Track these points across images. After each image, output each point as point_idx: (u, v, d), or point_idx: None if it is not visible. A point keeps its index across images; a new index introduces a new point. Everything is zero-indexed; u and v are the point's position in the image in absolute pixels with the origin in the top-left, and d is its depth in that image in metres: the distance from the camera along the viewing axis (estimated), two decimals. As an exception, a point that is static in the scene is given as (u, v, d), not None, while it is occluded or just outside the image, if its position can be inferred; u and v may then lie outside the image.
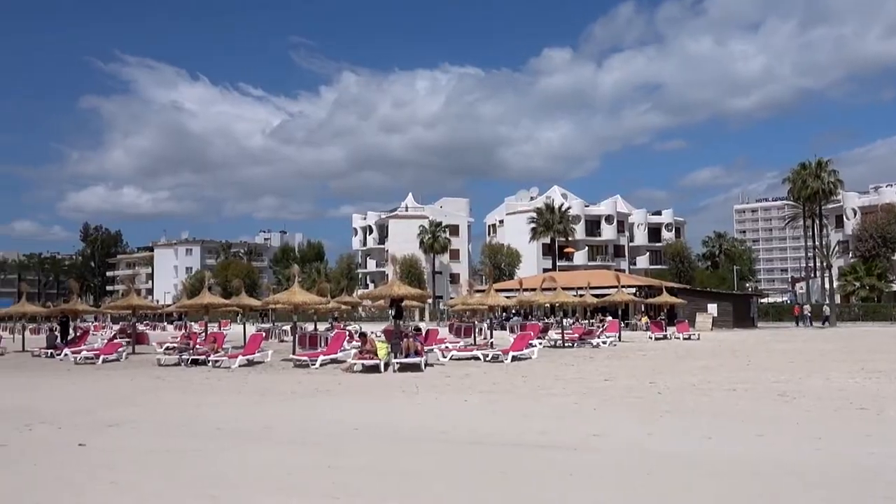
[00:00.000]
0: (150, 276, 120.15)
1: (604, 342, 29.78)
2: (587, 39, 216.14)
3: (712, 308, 45.70)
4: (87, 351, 24.88)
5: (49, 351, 26.22)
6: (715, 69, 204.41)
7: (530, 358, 22.56)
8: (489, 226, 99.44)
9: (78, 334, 30.06)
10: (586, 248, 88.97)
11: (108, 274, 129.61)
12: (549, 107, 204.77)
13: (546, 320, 41.78)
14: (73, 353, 24.44)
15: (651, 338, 34.37)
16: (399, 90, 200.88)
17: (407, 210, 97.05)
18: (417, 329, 27.14)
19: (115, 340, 27.79)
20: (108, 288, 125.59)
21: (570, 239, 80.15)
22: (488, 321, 31.41)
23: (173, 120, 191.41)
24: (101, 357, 23.59)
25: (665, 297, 38.69)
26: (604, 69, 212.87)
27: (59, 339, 28.11)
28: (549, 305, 39.13)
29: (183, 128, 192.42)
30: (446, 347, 24.16)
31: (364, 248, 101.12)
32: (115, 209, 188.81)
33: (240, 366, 20.61)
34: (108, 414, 11.80)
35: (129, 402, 13.43)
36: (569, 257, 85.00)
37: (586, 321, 41.85)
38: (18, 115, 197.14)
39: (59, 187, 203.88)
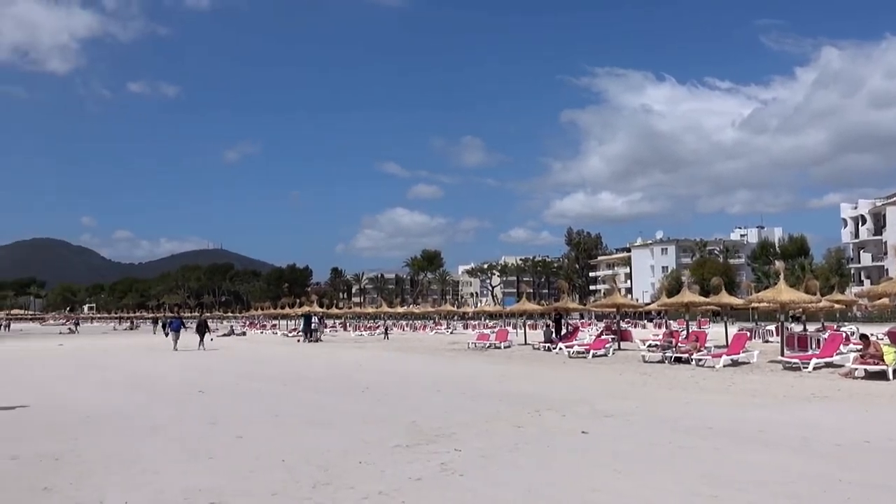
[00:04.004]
0: (629, 276, 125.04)
1: None
2: None
3: None
4: (579, 346, 26.93)
5: (546, 344, 29.17)
6: None
7: None
8: None
9: (570, 330, 32.75)
10: None
11: (591, 274, 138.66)
12: None
13: None
14: (566, 346, 26.74)
15: None
16: (894, 58, 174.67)
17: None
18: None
19: (602, 337, 29.56)
20: (591, 287, 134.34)
21: None
22: None
23: (643, 122, 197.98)
24: (591, 352, 25.32)
25: None
26: None
27: (553, 334, 31.06)
28: None
29: (652, 129, 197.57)
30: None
31: (856, 241, 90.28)
32: (594, 213, 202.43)
33: (724, 365, 20.16)
34: (604, 405, 12.61)
35: (622, 396, 14.16)
36: None
37: None
38: (513, 138, 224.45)
39: (545, 196, 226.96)
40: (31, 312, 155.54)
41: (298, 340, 42.51)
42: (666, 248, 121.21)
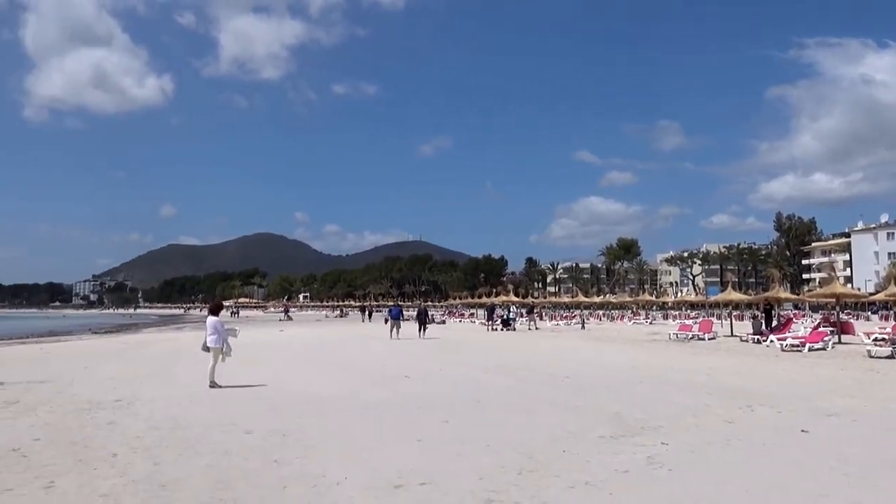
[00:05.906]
0: (848, 264, 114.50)
1: None
2: None
3: None
4: (793, 338, 25.10)
5: (755, 336, 27.47)
6: None
7: None
8: None
9: (782, 322, 30.62)
10: None
11: (803, 262, 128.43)
12: None
13: None
14: (778, 339, 25.01)
15: None
16: None
17: None
18: None
19: (820, 329, 27.34)
20: (804, 276, 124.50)
21: None
22: None
23: (862, 95, 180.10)
24: (807, 345, 23.52)
25: None
26: None
27: (763, 326, 29.18)
28: None
29: (874, 101, 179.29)
30: None
31: None
32: (806, 196, 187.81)
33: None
34: (826, 403, 11.66)
35: (846, 393, 13.00)
36: None
37: None
38: (713, 120, 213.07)
39: (750, 179, 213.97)
40: (254, 301, 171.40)
41: (495, 329, 43.20)
42: (893, 233, 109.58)
